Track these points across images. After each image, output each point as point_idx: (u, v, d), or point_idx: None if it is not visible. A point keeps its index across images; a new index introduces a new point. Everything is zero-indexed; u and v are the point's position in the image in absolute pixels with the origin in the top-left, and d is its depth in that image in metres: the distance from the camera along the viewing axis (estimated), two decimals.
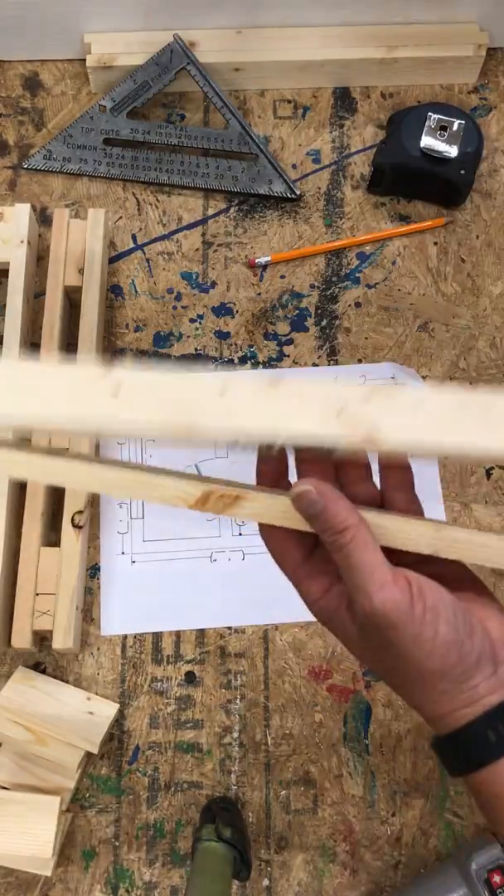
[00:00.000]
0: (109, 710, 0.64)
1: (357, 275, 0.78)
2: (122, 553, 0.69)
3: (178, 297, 0.77)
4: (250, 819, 0.65)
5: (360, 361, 0.75)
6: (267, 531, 0.41)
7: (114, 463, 0.39)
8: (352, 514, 0.38)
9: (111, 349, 0.75)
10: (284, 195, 0.79)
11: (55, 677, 0.66)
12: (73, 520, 0.66)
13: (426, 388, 0.38)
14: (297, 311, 0.76)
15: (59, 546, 0.65)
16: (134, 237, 0.78)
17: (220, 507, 0.39)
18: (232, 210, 0.79)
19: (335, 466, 0.42)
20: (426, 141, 0.75)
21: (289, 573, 0.41)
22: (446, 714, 0.38)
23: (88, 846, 0.64)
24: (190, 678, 0.67)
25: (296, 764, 0.66)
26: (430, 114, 0.75)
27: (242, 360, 0.75)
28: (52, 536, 0.67)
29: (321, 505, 0.38)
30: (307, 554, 0.41)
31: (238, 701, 0.67)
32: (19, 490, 0.66)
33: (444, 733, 0.39)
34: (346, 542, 0.37)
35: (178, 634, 0.68)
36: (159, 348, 0.75)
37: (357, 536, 0.37)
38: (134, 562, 0.69)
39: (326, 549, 0.39)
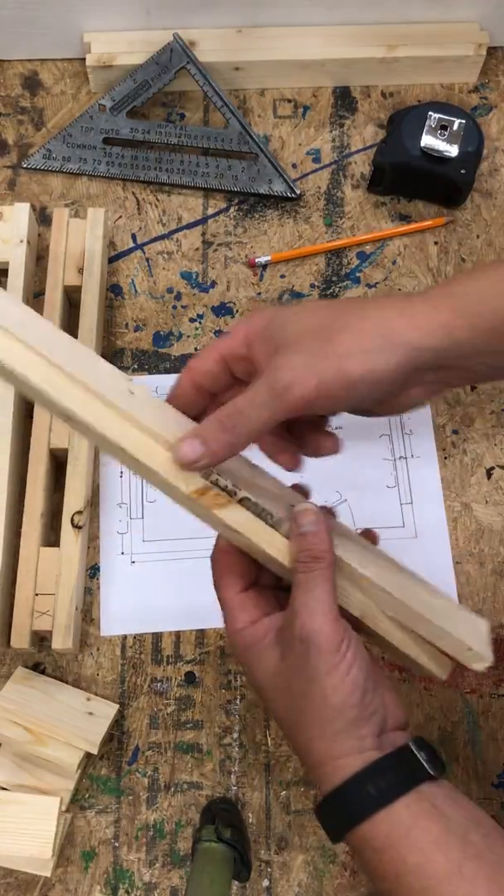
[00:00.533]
0: (109, 710, 0.64)
1: (357, 274, 0.78)
2: (122, 553, 0.69)
3: (178, 297, 0.77)
4: (250, 819, 0.64)
5: None
6: (218, 553, 0.46)
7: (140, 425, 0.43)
8: (331, 551, 0.43)
9: (111, 349, 0.75)
10: (284, 194, 0.78)
11: (55, 678, 0.66)
12: (72, 520, 0.65)
13: (367, 550, 0.47)
14: None
15: (58, 546, 0.65)
16: (134, 237, 0.78)
17: (211, 504, 0.43)
18: (232, 209, 0.79)
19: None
20: (426, 140, 0.74)
21: (224, 598, 0.46)
22: (334, 758, 0.42)
23: (88, 847, 0.64)
24: (190, 678, 0.67)
25: (296, 764, 0.66)
26: (430, 113, 0.75)
27: None
28: (51, 536, 0.67)
29: (317, 527, 0.43)
30: (245, 587, 0.46)
31: (238, 701, 0.67)
32: (19, 489, 0.66)
33: (328, 788, 0.42)
34: (317, 568, 0.43)
35: (178, 635, 0.68)
36: (159, 348, 0.75)
37: (327, 569, 0.43)
38: (134, 562, 0.69)
39: (264, 587, 0.47)
